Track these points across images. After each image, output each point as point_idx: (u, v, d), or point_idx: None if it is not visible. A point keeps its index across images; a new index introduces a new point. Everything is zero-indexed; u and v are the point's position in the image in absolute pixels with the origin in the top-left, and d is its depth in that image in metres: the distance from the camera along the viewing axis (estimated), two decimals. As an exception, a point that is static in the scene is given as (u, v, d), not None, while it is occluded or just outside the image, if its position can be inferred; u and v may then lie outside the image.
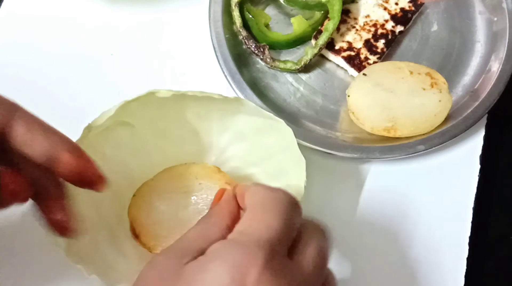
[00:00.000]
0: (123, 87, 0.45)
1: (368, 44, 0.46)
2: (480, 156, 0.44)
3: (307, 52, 0.46)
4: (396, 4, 0.48)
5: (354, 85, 0.44)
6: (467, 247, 0.41)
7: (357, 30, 0.47)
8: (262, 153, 0.40)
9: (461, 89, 0.46)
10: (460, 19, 0.49)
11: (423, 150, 0.42)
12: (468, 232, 0.41)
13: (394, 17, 0.48)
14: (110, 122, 0.34)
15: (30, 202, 0.30)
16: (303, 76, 0.47)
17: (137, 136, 0.38)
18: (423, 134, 0.43)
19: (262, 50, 0.46)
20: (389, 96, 0.43)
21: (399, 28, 0.47)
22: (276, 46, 0.47)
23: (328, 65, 0.47)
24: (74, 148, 0.28)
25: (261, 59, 0.46)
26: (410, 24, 0.48)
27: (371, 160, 0.43)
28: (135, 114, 0.36)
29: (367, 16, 0.48)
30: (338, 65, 0.47)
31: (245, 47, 0.47)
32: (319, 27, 0.47)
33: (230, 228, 0.27)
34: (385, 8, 0.48)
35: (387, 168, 0.43)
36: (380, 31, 0.47)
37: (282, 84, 0.46)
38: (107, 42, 0.48)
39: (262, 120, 0.38)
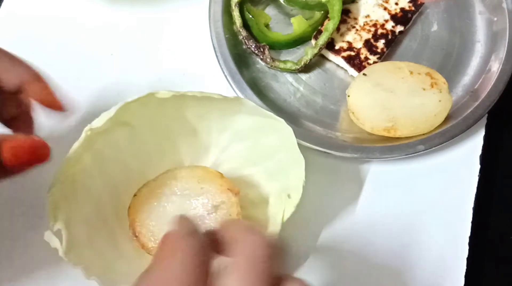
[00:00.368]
0: (123, 87, 0.45)
1: (368, 44, 0.46)
2: (480, 156, 0.44)
3: (307, 52, 0.46)
4: (396, 4, 0.48)
5: (354, 85, 0.44)
6: (467, 247, 0.41)
7: (357, 30, 0.47)
8: (262, 153, 0.40)
9: (461, 89, 0.46)
10: (460, 19, 0.49)
11: (423, 150, 0.42)
12: (468, 232, 0.41)
13: (394, 17, 0.48)
14: (110, 123, 0.34)
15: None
16: (303, 76, 0.47)
17: (137, 136, 0.38)
18: (423, 134, 0.43)
19: (262, 50, 0.46)
20: (389, 96, 0.43)
21: (399, 28, 0.47)
22: (276, 46, 0.47)
23: (328, 65, 0.48)
24: (37, 77, 0.33)
25: (261, 59, 0.46)
26: (410, 24, 0.48)
27: (371, 160, 0.43)
28: (135, 114, 0.36)
29: (367, 16, 0.48)
30: (338, 65, 0.47)
31: (245, 47, 0.47)
32: (319, 27, 0.47)
33: None
34: (385, 8, 0.48)
35: (387, 168, 0.43)
36: (380, 31, 0.47)
37: (282, 84, 0.46)
38: (107, 42, 0.48)
39: (262, 120, 0.38)
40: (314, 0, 0.47)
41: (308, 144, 0.41)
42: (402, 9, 0.48)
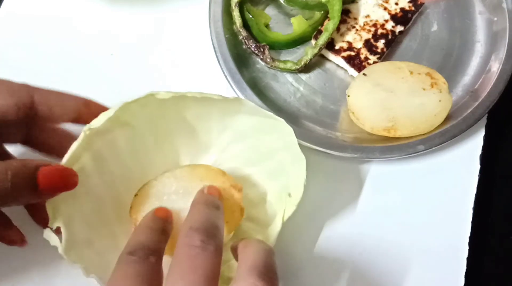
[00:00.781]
0: (123, 87, 0.45)
1: (368, 44, 0.46)
2: (480, 156, 0.44)
3: (307, 52, 0.46)
4: (396, 4, 0.48)
5: (354, 85, 0.44)
6: (467, 247, 0.41)
7: (357, 30, 0.47)
8: (262, 152, 0.40)
9: (461, 89, 0.46)
10: (460, 19, 0.49)
11: (423, 150, 0.42)
12: (468, 232, 0.41)
13: (394, 17, 0.48)
14: (109, 123, 0.34)
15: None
16: (303, 76, 0.47)
17: (137, 136, 0.38)
18: (423, 134, 0.43)
19: (262, 50, 0.46)
20: (389, 96, 0.43)
21: (399, 28, 0.47)
22: (276, 46, 0.47)
23: (328, 65, 0.48)
24: (87, 103, 0.36)
25: (261, 59, 0.46)
26: (410, 24, 0.48)
27: (371, 160, 0.43)
28: (134, 115, 0.36)
29: (367, 16, 0.48)
30: (338, 65, 0.47)
31: (245, 47, 0.47)
32: (319, 27, 0.47)
33: None
34: (385, 8, 0.48)
35: (387, 168, 0.43)
36: (380, 31, 0.47)
37: (282, 84, 0.46)
38: (107, 42, 0.48)
39: (262, 120, 0.38)
40: (314, 0, 0.47)
41: (308, 144, 0.41)
42: (402, 9, 0.48)
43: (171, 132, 0.39)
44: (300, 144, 0.37)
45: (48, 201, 0.33)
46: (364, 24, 0.47)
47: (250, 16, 0.47)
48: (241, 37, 0.46)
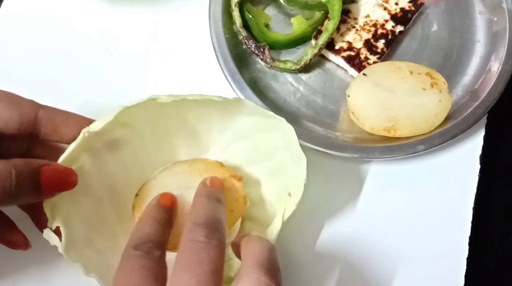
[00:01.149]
0: (123, 87, 0.45)
1: (368, 44, 0.46)
2: (480, 156, 0.44)
3: (307, 52, 0.46)
4: (396, 4, 0.48)
5: (354, 85, 0.44)
6: (467, 247, 0.41)
7: (357, 30, 0.47)
8: (263, 152, 0.40)
9: (461, 89, 0.46)
10: (460, 19, 0.49)
11: (423, 150, 0.42)
12: (468, 232, 0.41)
13: (394, 17, 0.48)
14: (109, 124, 0.34)
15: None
16: (303, 76, 0.47)
17: (136, 136, 0.38)
18: (423, 134, 0.43)
19: (262, 50, 0.46)
20: (389, 96, 0.43)
21: (399, 28, 0.47)
22: (276, 46, 0.47)
23: (328, 65, 0.48)
24: (90, 121, 0.35)
25: (261, 59, 0.46)
26: (410, 24, 0.48)
27: (371, 160, 0.43)
28: (134, 115, 0.36)
29: (367, 16, 0.48)
30: (338, 65, 0.47)
31: (245, 47, 0.47)
32: (319, 27, 0.47)
33: None
34: (385, 8, 0.48)
35: (387, 168, 0.44)
36: (380, 31, 0.47)
37: (282, 84, 0.46)
38: (107, 42, 0.48)
39: (262, 119, 0.38)
40: (314, 0, 0.47)
41: (308, 144, 0.41)
42: (402, 9, 0.48)
43: (171, 132, 0.39)
44: (300, 144, 0.37)
45: (45, 201, 0.33)
46: (364, 24, 0.47)
47: (250, 16, 0.47)
48: (241, 37, 0.46)
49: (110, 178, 0.38)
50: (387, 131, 0.43)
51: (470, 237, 0.41)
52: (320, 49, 0.45)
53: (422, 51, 0.48)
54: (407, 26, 0.48)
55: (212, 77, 0.45)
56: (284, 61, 0.46)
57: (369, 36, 0.47)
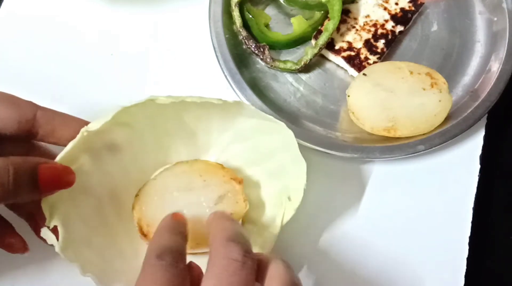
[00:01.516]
0: (123, 87, 0.45)
1: (368, 44, 0.46)
2: (480, 156, 0.44)
3: (307, 52, 0.46)
4: (396, 4, 0.48)
5: (354, 85, 0.44)
6: (467, 247, 0.41)
7: (357, 30, 0.47)
8: (263, 153, 0.40)
9: (461, 89, 0.46)
10: (460, 19, 0.49)
11: (423, 150, 0.42)
12: (468, 232, 0.41)
13: (394, 17, 0.48)
14: (108, 124, 0.34)
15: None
16: (303, 76, 0.47)
17: (136, 136, 0.38)
18: (423, 134, 0.43)
19: (262, 50, 0.46)
20: (389, 96, 0.43)
21: (399, 28, 0.47)
22: (276, 46, 0.47)
23: (328, 65, 0.47)
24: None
25: (261, 59, 0.46)
26: (410, 24, 0.48)
27: (371, 160, 0.43)
28: (134, 116, 0.36)
29: (367, 16, 0.48)
30: (338, 65, 0.47)
31: (245, 47, 0.47)
32: (319, 27, 0.47)
33: None
34: (385, 8, 0.48)
35: (387, 168, 0.43)
36: (380, 31, 0.47)
37: (282, 84, 0.46)
38: (107, 42, 0.48)
39: (262, 122, 0.38)
40: (314, 0, 0.47)
41: (308, 144, 0.41)
42: (402, 9, 0.48)
43: (171, 132, 0.39)
44: (300, 144, 0.37)
45: (44, 200, 0.33)
46: (364, 24, 0.47)
47: (250, 16, 0.47)
48: (241, 37, 0.46)
49: (109, 178, 0.38)
50: (387, 131, 0.43)
51: (470, 237, 0.41)
52: (320, 49, 0.45)
53: (422, 51, 0.48)
54: (407, 26, 0.48)
55: (212, 77, 0.45)
56: (284, 61, 0.46)
57: (369, 36, 0.47)
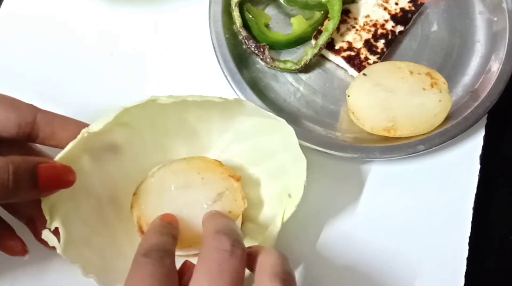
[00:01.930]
0: (123, 87, 0.45)
1: (368, 44, 0.46)
2: (480, 156, 0.44)
3: (307, 52, 0.46)
4: (396, 4, 0.48)
5: (354, 85, 0.44)
6: (467, 247, 0.41)
7: (357, 30, 0.47)
8: (263, 153, 0.40)
9: (461, 89, 0.46)
10: (460, 19, 0.49)
11: (423, 150, 0.42)
12: (468, 232, 0.41)
13: (394, 17, 0.48)
14: (109, 124, 0.34)
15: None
16: (303, 76, 0.47)
17: (136, 136, 0.38)
18: (423, 134, 0.43)
19: (262, 50, 0.46)
20: (389, 96, 0.43)
21: (399, 28, 0.47)
22: (276, 46, 0.47)
23: (328, 65, 0.47)
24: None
25: (261, 59, 0.46)
26: (410, 24, 0.48)
27: (371, 160, 0.43)
28: (134, 116, 0.36)
29: (367, 16, 0.48)
30: (338, 65, 0.47)
31: (245, 47, 0.47)
32: (319, 27, 0.47)
33: None
34: (385, 8, 0.48)
35: (387, 168, 0.43)
36: (380, 31, 0.47)
37: (282, 84, 0.46)
38: (107, 42, 0.48)
39: (262, 120, 0.38)
40: (314, 0, 0.47)
41: (308, 144, 0.41)
42: (402, 9, 0.48)
43: (171, 132, 0.39)
44: (300, 144, 0.37)
45: (44, 201, 0.33)
46: (364, 24, 0.47)
47: (250, 16, 0.47)
48: (241, 37, 0.46)
49: (109, 178, 0.38)
50: (387, 131, 0.43)
51: (470, 237, 0.41)
52: (320, 49, 0.45)
53: (422, 51, 0.48)
54: (407, 26, 0.48)
55: (212, 77, 0.45)
56: (284, 61, 0.46)
57: (369, 36, 0.47)
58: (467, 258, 0.40)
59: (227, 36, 0.46)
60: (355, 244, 0.41)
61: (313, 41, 0.47)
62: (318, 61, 0.47)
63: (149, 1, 0.49)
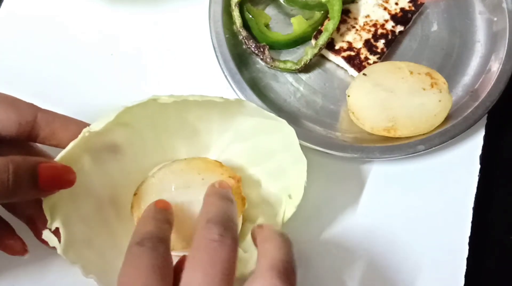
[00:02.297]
0: (123, 87, 0.45)
1: (368, 44, 0.46)
2: (480, 156, 0.44)
3: (307, 52, 0.46)
4: (396, 4, 0.48)
5: (354, 85, 0.44)
6: (467, 247, 0.41)
7: (357, 30, 0.47)
8: (263, 153, 0.40)
9: (461, 89, 0.46)
10: (460, 19, 0.49)
11: (423, 150, 0.42)
12: (468, 232, 0.41)
13: (394, 17, 0.48)
14: (109, 124, 0.34)
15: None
16: (303, 76, 0.47)
17: (137, 136, 0.38)
18: (423, 134, 0.43)
19: (262, 50, 0.46)
20: (389, 96, 0.43)
21: (399, 28, 0.47)
22: (276, 46, 0.47)
23: (328, 65, 0.48)
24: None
25: (261, 59, 0.46)
26: (410, 24, 0.48)
27: (371, 160, 0.43)
28: (135, 116, 0.36)
29: (367, 16, 0.48)
30: (338, 65, 0.47)
31: (245, 47, 0.47)
32: (319, 27, 0.47)
33: None
34: (385, 8, 0.48)
35: (387, 168, 0.43)
36: (380, 31, 0.47)
37: (282, 84, 0.46)
38: (107, 42, 0.48)
39: (263, 120, 0.38)
40: (314, 0, 0.47)
41: (308, 144, 0.41)
42: (402, 9, 0.48)
43: (171, 132, 0.39)
44: (300, 144, 0.37)
45: (45, 201, 0.33)
46: (364, 24, 0.47)
47: (250, 16, 0.47)
48: (241, 37, 0.46)
49: (110, 178, 0.38)
50: (387, 131, 0.43)
51: (470, 237, 0.41)
52: (320, 49, 0.45)
53: (422, 51, 0.48)
54: (407, 26, 0.48)
55: (212, 77, 0.45)
56: (284, 61, 0.46)
57: (369, 36, 0.47)
58: (467, 258, 0.40)
59: (227, 36, 0.46)
60: (355, 244, 0.41)
61: (313, 41, 0.47)
62: (318, 61, 0.47)
63: (149, 1, 0.49)
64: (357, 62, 0.46)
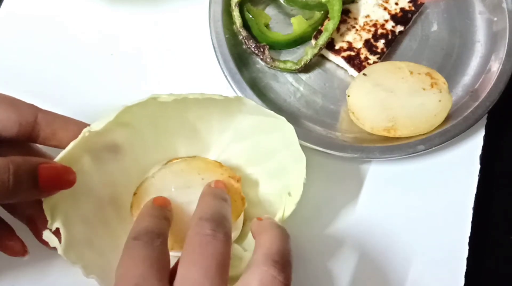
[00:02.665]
0: (123, 87, 0.45)
1: (368, 44, 0.46)
2: (480, 156, 0.44)
3: (307, 52, 0.46)
4: (396, 4, 0.48)
5: (354, 85, 0.44)
6: (467, 247, 0.41)
7: (357, 30, 0.47)
8: (263, 152, 0.40)
9: (461, 89, 0.46)
10: (460, 19, 0.49)
11: (423, 150, 0.42)
12: (468, 232, 0.41)
13: (394, 17, 0.48)
14: (109, 124, 0.34)
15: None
16: (303, 76, 0.47)
17: (137, 136, 0.38)
18: (423, 134, 0.43)
19: (262, 50, 0.46)
20: (389, 96, 0.43)
21: (399, 28, 0.47)
22: (276, 46, 0.47)
23: (328, 65, 0.48)
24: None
25: (261, 59, 0.46)
26: (410, 24, 0.48)
27: (371, 160, 0.43)
28: (135, 115, 0.36)
29: (367, 16, 0.48)
30: (338, 65, 0.47)
31: (245, 47, 0.47)
32: (319, 27, 0.47)
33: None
34: (385, 8, 0.48)
35: (387, 168, 0.44)
36: (380, 31, 0.47)
37: (282, 84, 0.46)
38: (107, 42, 0.48)
39: (263, 119, 0.38)
40: (314, 0, 0.47)
41: (308, 144, 0.41)
42: (402, 9, 0.48)
43: (172, 132, 0.39)
44: (300, 144, 0.37)
45: (45, 201, 0.33)
46: (364, 24, 0.47)
47: (250, 16, 0.47)
48: (241, 37, 0.46)
49: (110, 178, 0.38)
50: (387, 131, 0.43)
51: (470, 237, 0.41)
52: (320, 49, 0.45)
53: (422, 51, 0.48)
54: (407, 26, 0.48)
55: (212, 77, 0.45)
56: (284, 61, 0.46)
57: (369, 36, 0.47)
58: (467, 258, 0.40)
59: (227, 36, 0.46)
60: (355, 243, 0.41)
61: (313, 41, 0.47)
62: (318, 61, 0.47)
63: (149, 1, 0.49)
64: (357, 62, 0.46)
